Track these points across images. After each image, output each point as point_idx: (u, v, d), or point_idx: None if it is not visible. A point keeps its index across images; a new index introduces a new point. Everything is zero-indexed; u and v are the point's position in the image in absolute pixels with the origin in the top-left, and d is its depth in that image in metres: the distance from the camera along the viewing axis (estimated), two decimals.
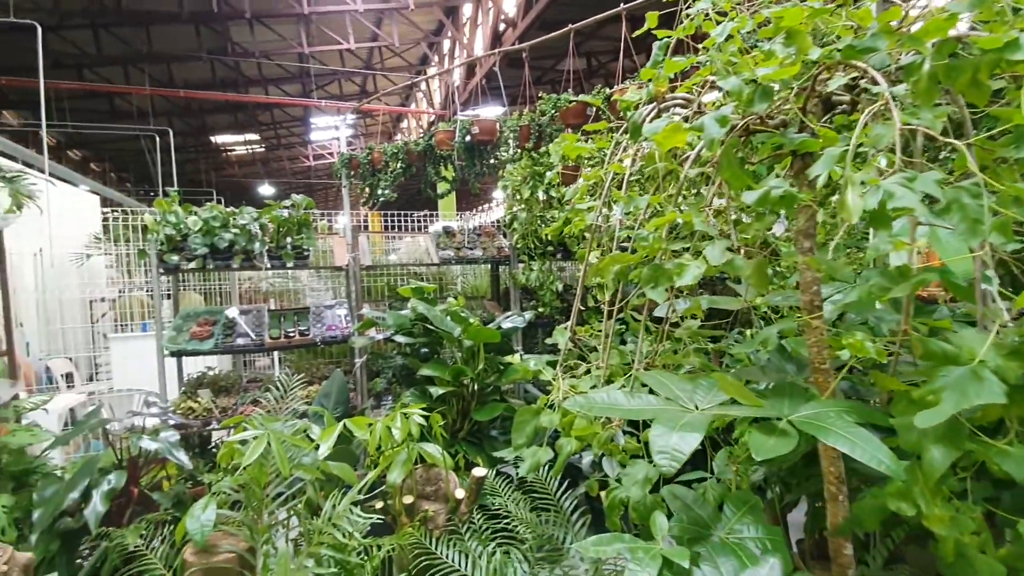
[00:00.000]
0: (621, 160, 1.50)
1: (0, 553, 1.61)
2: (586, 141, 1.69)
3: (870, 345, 0.90)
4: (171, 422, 3.13)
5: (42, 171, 5.54)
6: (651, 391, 1.19)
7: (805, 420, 0.93)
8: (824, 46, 1.12)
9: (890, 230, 0.95)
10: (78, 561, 2.18)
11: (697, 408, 1.03)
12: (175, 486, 2.57)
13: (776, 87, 1.11)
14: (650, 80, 1.38)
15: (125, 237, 5.73)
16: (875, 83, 1.07)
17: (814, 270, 1.17)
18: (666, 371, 1.43)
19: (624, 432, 1.62)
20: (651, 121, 1.24)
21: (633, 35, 1.78)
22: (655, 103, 1.38)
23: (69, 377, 5.27)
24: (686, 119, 1.29)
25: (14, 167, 3.12)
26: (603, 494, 1.96)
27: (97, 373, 5.58)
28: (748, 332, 1.92)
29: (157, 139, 11.38)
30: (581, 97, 2.82)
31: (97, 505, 2.13)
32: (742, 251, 1.36)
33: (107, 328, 5.61)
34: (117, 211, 5.74)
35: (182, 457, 2.39)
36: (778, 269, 2.00)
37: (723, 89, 1.16)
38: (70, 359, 5.40)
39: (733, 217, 1.39)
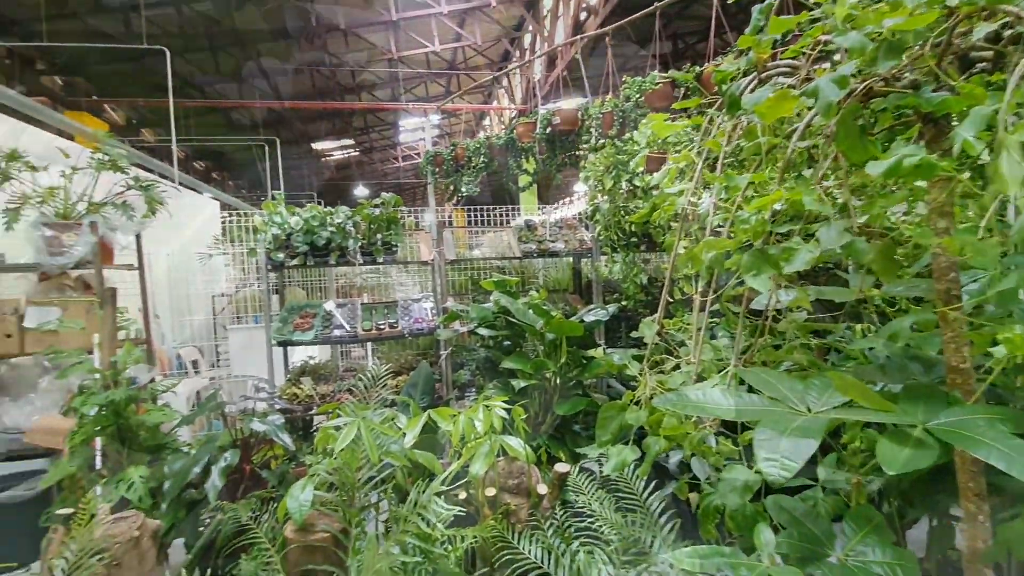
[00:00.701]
0: (716, 138, 1.37)
1: (134, 520, 1.82)
2: (675, 120, 1.58)
3: None
4: (277, 406, 3.40)
5: (173, 181, 6.26)
6: (750, 389, 1.07)
7: (948, 428, 0.78)
8: None
9: None
10: (200, 529, 2.42)
11: (809, 410, 0.91)
12: (281, 465, 2.78)
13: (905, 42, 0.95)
14: (749, 48, 1.25)
15: (240, 238, 6.32)
16: None
17: (951, 254, 1.00)
18: (767, 368, 1.29)
19: (716, 432, 1.50)
20: (752, 92, 1.12)
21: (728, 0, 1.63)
22: (755, 73, 1.25)
23: (196, 363, 5.92)
24: (791, 88, 1.15)
25: (150, 177, 3.52)
26: (692, 496, 1.84)
27: (218, 360, 6.22)
28: (858, 327, 1.70)
29: (266, 148, 12.48)
30: (670, 73, 2.65)
31: (215, 480, 2.35)
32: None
33: (226, 320, 6.23)
34: (234, 214, 6.35)
35: (286, 439, 2.58)
36: (895, 256, 1.75)
37: (839, 49, 1.02)
38: (197, 347, 6.07)
39: (843, 199, 1.22)
